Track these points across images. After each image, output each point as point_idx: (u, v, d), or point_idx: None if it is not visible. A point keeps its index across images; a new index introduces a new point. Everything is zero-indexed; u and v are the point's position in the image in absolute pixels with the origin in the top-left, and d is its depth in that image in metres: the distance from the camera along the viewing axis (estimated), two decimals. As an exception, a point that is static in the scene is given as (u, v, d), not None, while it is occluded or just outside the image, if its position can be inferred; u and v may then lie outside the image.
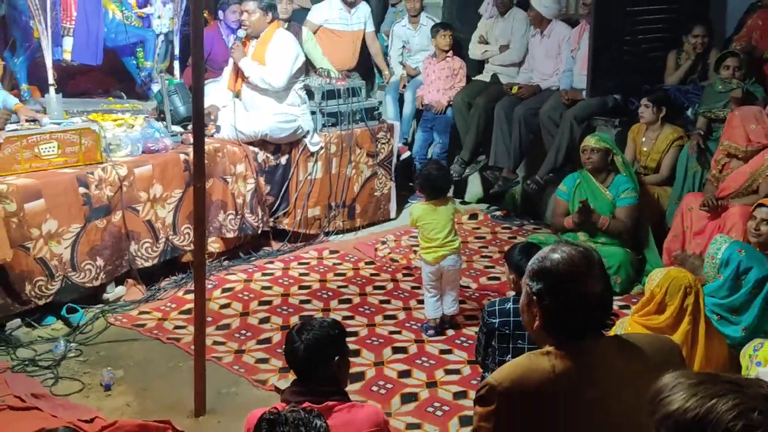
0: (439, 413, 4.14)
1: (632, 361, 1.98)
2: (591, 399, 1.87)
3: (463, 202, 7.38)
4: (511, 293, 3.97)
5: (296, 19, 7.21)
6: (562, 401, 1.86)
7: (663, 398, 1.38)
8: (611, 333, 2.09)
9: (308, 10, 7.68)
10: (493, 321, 3.48)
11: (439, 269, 4.85)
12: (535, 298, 1.98)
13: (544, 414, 1.86)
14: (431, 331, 4.95)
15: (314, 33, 7.35)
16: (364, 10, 7.58)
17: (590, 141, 5.69)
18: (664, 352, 2.07)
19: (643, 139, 6.16)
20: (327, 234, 6.53)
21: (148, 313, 5.17)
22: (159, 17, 6.48)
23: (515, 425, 1.85)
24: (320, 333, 2.81)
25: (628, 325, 3.73)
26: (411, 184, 6.00)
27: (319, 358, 2.79)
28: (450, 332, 4.96)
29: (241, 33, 6.11)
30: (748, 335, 3.97)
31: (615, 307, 5.22)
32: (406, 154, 7.46)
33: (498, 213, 7.15)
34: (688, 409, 1.32)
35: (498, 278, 5.78)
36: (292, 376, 2.96)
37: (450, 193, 5.75)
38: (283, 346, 2.92)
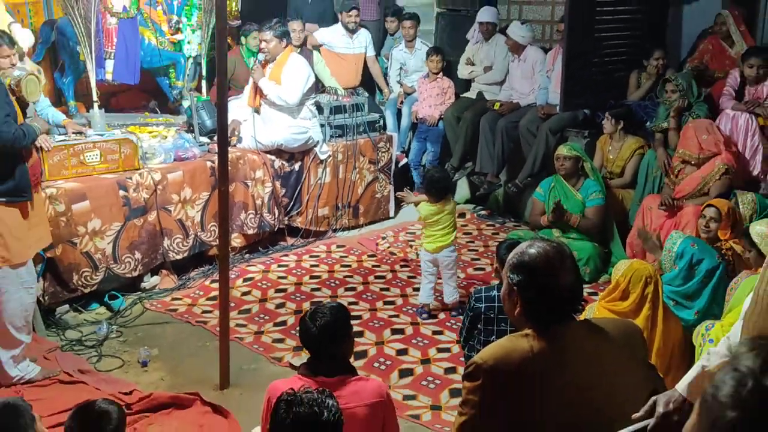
0: (432, 386, 4.15)
1: (600, 342, 1.98)
2: (564, 375, 1.87)
3: (457, 204, 7.36)
4: (496, 282, 3.97)
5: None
6: (539, 377, 1.85)
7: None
8: (582, 317, 2.07)
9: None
10: (480, 306, 3.48)
11: (436, 258, 4.86)
12: (515, 288, 1.98)
13: (524, 388, 1.85)
14: (425, 315, 4.94)
15: (315, 49, 7.32)
16: (364, 36, 7.55)
17: (563, 150, 5.69)
18: (627, 334, 2.07)
19: (609, 148, 6.16)
20: (334, 230, 6.52)
21: (179, 299, 5.18)
22: (189, 42, 6.46)
23: (498, 398, 1.85)
24: (330, 317, 2.81)
25: (596, 309, 3.72)
26: (408, 187, 5.99)
27: (329, 339, 2.79)
28: (441, 315, 4.96)
29: (261, 57, 6.10)
30: (699, 318, 3.96)
31: (585, 294, 5.22)
32: (403, 161, 7.47)
33: (483, 212, 7.14)
34: None
35: (483, 269, 5.77)
36: (305, 354, 2.96)
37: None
38: (298, 329, 2.91)
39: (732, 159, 5.31)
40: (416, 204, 5.01)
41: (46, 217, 4.39)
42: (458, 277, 5.27)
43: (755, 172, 5.64)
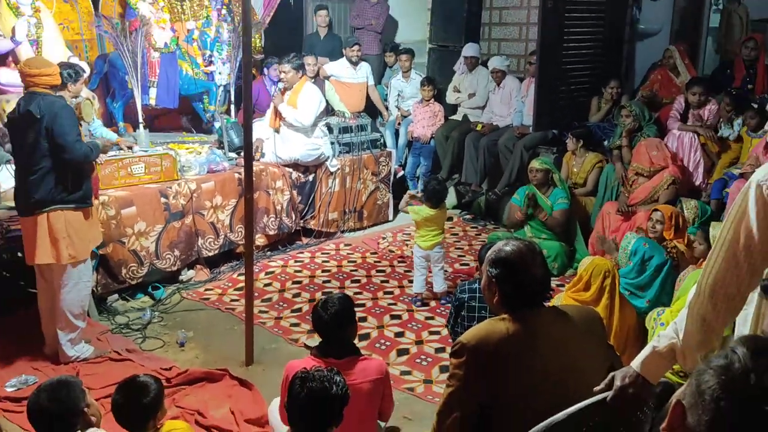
0: (424, 363, 4.13)
1: (565, 325, 1.97)
2: (535, 354, 1.86)
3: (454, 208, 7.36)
4: (477, 276, 3.95)
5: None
6: (514, 355, 1.85)
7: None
8: (550, 305, 2.06)
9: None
10: (463, 296, 3.46)
11: (428, 254, 4.85)
12: (494, 280, 1.97)
13: (501, 364, 1.84)
14: (418, 303, 4.93)
15: (326, 79, 7.31)
16: (365, 68, 7.53)
17: (535, 163, 5.67)
18: (589, 320, 2.06)
19: (573, 163, 6.15)
20: (342, 232, 6.49)
21: (211, 290, 5.16)
22: (220, 73, 6.45)
23: (480, 372, 1.84)
24: (339, 306, 2.81)
25: (562, 299, 3.71)
26: (409, 192, 6.00)
27: (338, 326, 2.79)
28: (432, 303, 4.94)
29: (280, 85, 6.10)
30: (651, 306, 3.95)
31: (553, 286, 5.22)
32: (400, 174, 7.46)
33: (468, 216, 7.11)
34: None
35: (467, 264, 5.75)
36: (317, 337, 2.95)
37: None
38: (311, 315, 2.90)
39: (678, 172, 5.32)
40: (409, 211, 5.01)
41: (98, 220, 4.38)
42: (446, 270, 5.27)
43: (697, 183, 5.64)
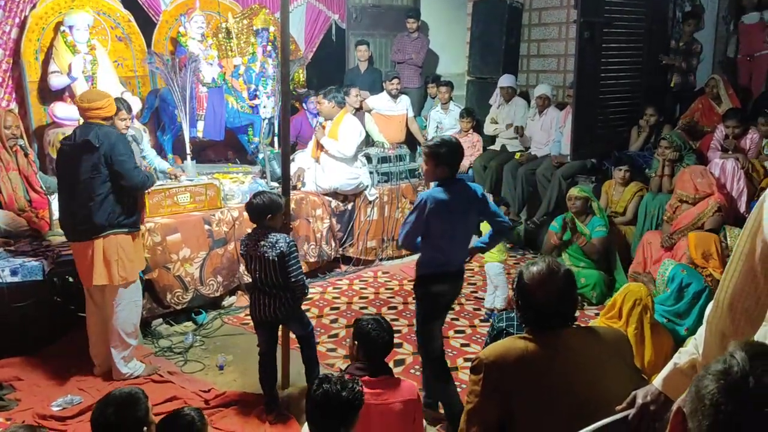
0: (459, 390, 4.06)
1: (591, 345, 1.95)
2: (555, 372, 1.84)
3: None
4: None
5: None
6: (533, 373, 1.83)
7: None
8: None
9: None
10: (501, 325, 3.43)
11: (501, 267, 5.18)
12: (515, 298, 1.97)
13: (519, 381, 1.83)
14: (486, 316, 5.13)
15: (368, 112, 7.43)
16: (405, 101, 7.63)
17: (575, 191, 5.63)
18: (616, 341, 2.03)
19: (614, 192, 6.07)
20: (381, 260, 6.52)
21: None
22: (264, 107, 6.63)
23: (498, 388, 1.83)
24: (388, 335, 2.85)
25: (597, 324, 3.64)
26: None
27: (387, 350, 2.85)
28: (468, 331, 4.90)
29: (321, 119, 6.23)
30: (689, 334, 3.84)
31: (592, 314, 5.12)
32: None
33: (507, 245, 7.05)
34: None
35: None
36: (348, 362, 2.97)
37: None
38: (358, 329, 2.85)
39: (723, 199, 5.18)
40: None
41: (143, 245, 4.52)
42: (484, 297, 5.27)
43: (742, 210, 5.48)
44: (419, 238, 3.41)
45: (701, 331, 1.66)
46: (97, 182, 3.84)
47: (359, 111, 7.25)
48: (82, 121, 4.10)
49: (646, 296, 3.55)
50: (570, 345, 1.90)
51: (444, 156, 3.33)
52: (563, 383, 1.82)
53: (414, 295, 3.61)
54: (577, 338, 1.95)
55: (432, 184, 3.64)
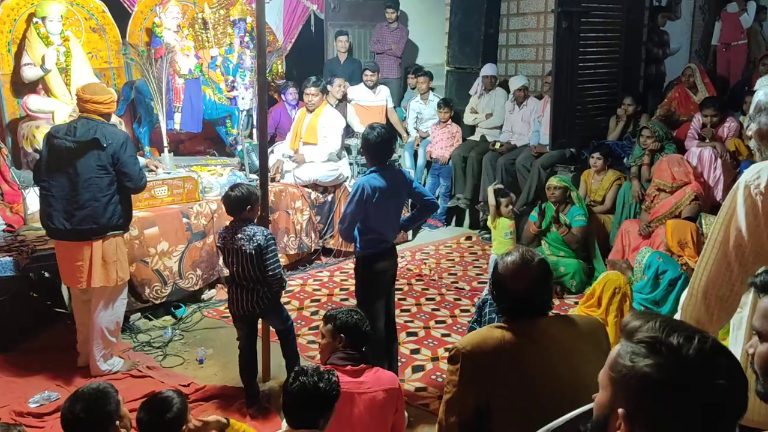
0: (440, 380, 4.09)
1: (568, 334, 1.95)
2: (532, 361, 1.84)
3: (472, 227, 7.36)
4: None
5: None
6: (509, 362, 1.83)
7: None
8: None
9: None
10: (488, 296, 3.45)
11: None
12: (491, 287, 1.97)
13: (496, 370, 1.83)
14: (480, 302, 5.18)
15: (350, 102, 7.41)
16: (385, 91, 7.61)
17: (553, 181, 5.65)
18: (592, 325, 2.04)
19: (592, 181, 6.10)
20: (362, 251, 6.50)
21: (231, 308, 5.19)
22: (242, 98, 6.55)
23: (475, 377, 1.83)
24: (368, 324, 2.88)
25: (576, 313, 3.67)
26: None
27: (367, 338, 2.86)
28: (449, 321, 4.91)
29: (298, 110, 6.18)
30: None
31: (571, 303, 5.16)
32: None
33: (487, 236, 7.05)
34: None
35: (485, 282, 5.70)
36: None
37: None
38: (343, 318, 2.82)
39: (700, 188, 5.24)
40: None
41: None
42: (464, 288, 5.24)
43: (718, 198, 5.54)
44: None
45: (676, 318, 1.67)
46: (104, 182, 3.80)
47: (341, 102, 7.21)
48: (75, 114, 3.98)
49: (625, 284, 3.58)
50: (546, 333, 1.91)
51: (377, 146, 3.61)
52: (540, 372, 1.83)
53: (355, 278, 3.83)
54: (553, 326, 1.96)
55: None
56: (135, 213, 4.81)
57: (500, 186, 5.74)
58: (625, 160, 6.18)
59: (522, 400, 1.77)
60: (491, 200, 5.26)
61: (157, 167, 5.41)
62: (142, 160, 5.46)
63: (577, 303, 5.01)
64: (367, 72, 7.38)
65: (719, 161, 5.58)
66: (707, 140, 5.71)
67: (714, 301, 1.56)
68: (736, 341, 1.75)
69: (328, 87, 6.95)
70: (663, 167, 5.37)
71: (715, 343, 0.99)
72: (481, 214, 6.95)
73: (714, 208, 5.41)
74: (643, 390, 0.97)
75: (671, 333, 0.99)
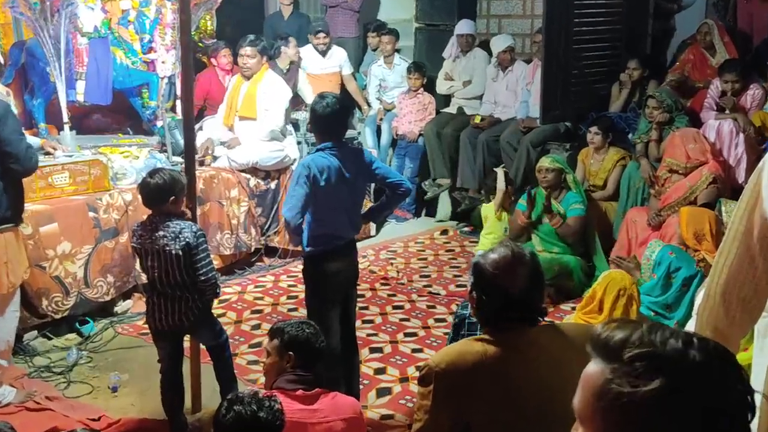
0: (410, 404, 4.08)
1: (560, 345, 1.97)
2: (519, 378, 1.87)
3: (440, 221, 7.39)
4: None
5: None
6: (492, 380, 1.85)
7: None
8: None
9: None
10: (465, 312, 3.50)
11: None
12: (472, 291, 1.98)
13: (475, 390, 1.85)
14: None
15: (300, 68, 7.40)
16: (339, 56, 7.60)
17: (545, 162, 5.70)
18: (587, 335, 2.06)
19: (592, 161, 6.19)
20: (314, 250, 6.49)
21: (152, 323, 5.14)
22: (163, 62, 6.46)
23: (449, 401, 1.84)
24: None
25: (573, 320, 3.72)
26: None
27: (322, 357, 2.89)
28: (421, 333, 4.94)
29: (233, 76, 6.13)
30: (681, 328, 3.96)
31: (567, 309, 5.23)
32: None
33: (466, 229, 7.13)
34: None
35: (464, 285, 5.74)
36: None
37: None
38: (291, 330, 2.86)
39: (719, 168, 5.32)
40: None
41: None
42: (439, 294, 5.30)
43: (740, 181, 5.65)
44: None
45: (690, 325, 1.70)
46: None
47: (293, 65, 7.17)
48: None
49: (631, 285, 3.64)
50: (535, 343, 1.94)
51: (327, 118, 3.65)
52: (526, 383, 1.86)
53: (304, 283, 3.82)
54: (543, 336, 2.00)
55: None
56: (28, 206, 4.74)
57: (506, 169, 5.76)
58: (630, 135, 6.27)
59: (506, 412, 1.81)
60: (501, 185, 5.26)
61: (55, 149, 5.31)
62: (35, 140, 5.38)
63: (574, 309, 5.08)
64: (319, 35, 7.37)
65: (741, 136, 5.68)
66: (727, 111, 5.81)
67: (735, 303, 1.58)
68: (762, 350, 1.78)
69: (283, 49, 6.89)
70: (676, 143, 5.44)
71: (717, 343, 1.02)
72: (465, 202, 6.98)
73: (735, 192, 5.53)
74: (651, 415, 0.98)
75: (665, 339, 1.02)
